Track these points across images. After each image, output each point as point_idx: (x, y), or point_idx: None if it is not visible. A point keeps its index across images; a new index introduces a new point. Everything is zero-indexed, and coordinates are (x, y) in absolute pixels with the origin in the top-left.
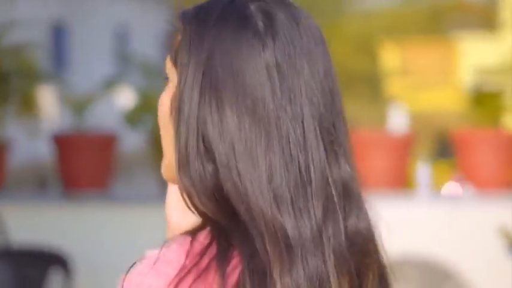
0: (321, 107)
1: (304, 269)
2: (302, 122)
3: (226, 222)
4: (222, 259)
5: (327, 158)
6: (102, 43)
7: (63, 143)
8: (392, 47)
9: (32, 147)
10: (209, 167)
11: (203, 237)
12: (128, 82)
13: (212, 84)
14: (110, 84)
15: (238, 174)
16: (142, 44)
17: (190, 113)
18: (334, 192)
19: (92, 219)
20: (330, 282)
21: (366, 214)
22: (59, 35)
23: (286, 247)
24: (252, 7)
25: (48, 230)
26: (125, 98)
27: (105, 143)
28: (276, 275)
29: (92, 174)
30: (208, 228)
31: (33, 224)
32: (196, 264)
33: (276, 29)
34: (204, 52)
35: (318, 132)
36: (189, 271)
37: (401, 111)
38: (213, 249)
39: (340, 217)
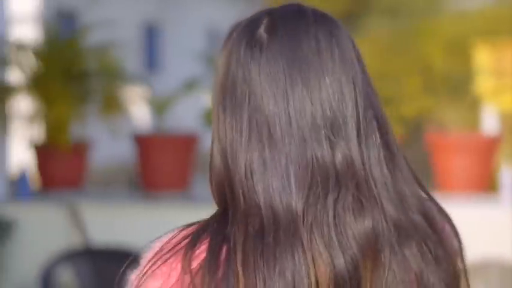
0: (319, 110)
1: (274, 261)
2: (289, 123)
3: (220, 212)
4: (192, 242)
5: (316, 153)
6: (194, 44)
7: (144, 143)
8: (485, 47)
9: (118, 148)
10: (218, 160)
11: (194, 227)
12: (210, 82)
13: (220, 90)
14: (190, 84)
15: (229, 168)
16: None
17: (214, 117)
18: (319, 184)
19: (172, 219)
20: (307, 276)
21: (382, 209)
22: (151, 35)
23: (256, 232)
24: (265, 21)
25: (127, 230)
26: (206, 98)
27: (186, 144)
28: (239, 265)
29: (172, 175)
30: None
31: (113, 223)
32: (173, 247)
33: (271, 41)
34: (220, 62)
35: (307, 131)
36: (166, 252)
37: (492, 113)
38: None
39: (327, 209)
